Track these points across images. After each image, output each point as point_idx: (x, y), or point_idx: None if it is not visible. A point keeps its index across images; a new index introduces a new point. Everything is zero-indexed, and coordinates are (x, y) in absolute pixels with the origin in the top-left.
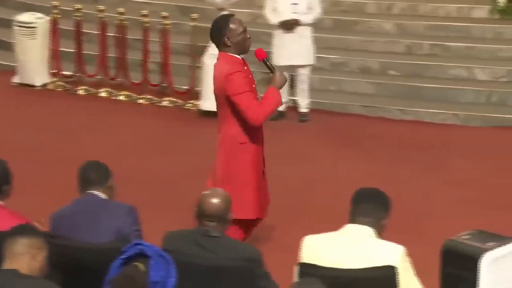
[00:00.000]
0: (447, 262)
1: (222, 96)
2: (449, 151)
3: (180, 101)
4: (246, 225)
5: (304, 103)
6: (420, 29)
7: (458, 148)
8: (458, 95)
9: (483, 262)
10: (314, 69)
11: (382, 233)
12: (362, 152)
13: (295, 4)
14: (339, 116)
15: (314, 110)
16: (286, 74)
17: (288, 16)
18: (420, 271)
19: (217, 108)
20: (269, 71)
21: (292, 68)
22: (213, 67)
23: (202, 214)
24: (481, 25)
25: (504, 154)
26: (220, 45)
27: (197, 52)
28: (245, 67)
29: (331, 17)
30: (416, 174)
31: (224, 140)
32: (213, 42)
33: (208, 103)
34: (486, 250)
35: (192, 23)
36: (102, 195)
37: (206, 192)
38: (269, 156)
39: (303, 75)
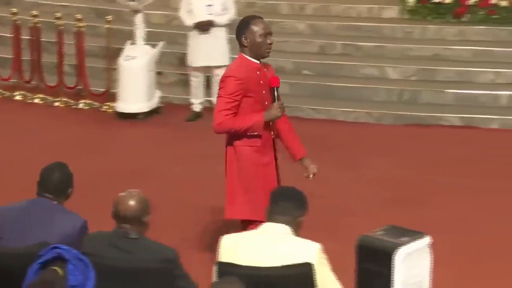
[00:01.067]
0: (363, 258)
1: None
2: (363, 149)
3: (96, 103)
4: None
5: None
6: (333, 30)
7: (372, 146)
8: (371, 94)
9: (397, 256)
10: None
11: (299, 231)
12: (279, 151)
13: (209, 5)
14: None
15: None
16: (280, 110)
17: (203, 17)
18: (337, 267)
19: None
20: (273, 99)
21: (208, 69)
22: (128, 69)
23: (118, 216)
24: (392, 25)
25: (416, 151)
26: (240, 45)
27: (113, 54)
28: (258, 72)
29: None
30: (331, 172)
31: (227, 136)
32: (237, 40)
33: (125, 104)
34: (400, 245)
35: (106, 26)
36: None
37: (122, 193)
38: (187, 156)
39: (219, 75)
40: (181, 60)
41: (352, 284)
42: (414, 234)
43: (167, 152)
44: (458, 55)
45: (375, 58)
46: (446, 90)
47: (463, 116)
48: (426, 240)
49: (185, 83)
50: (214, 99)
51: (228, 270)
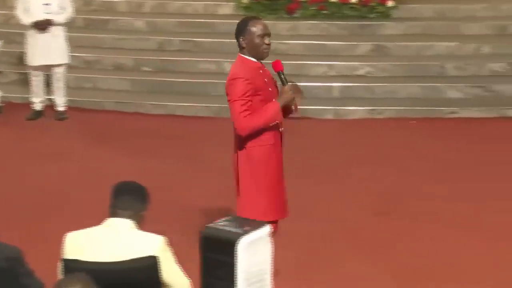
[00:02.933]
0: (206, 248)
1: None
2: (204, 142)
3: None
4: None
5: (61, 102)
6: (171, 26)
7: (212, 139)
8: (209, 89)
9: (239, 246)
10: (69, 67)
11: (142, 224)
12: (120, 147)
13: (47, 4)
14: (96, 113)
15: (71, 108)
16: (292, 91)
17: (40, 16)
18: (182, 259)
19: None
20: (282, 83)
21: (48, 68)
22: None
23: None
24: (227, 21)
25: None
26: (239, 46)
27: None
28: (261, 71)
29: (83, 16)
30: (173, 166)
31: (235, 139)
32: (236, 41)
33: None
34: (242, 234)
35: None
36: None
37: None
38: (26, 156)
39: (59, 73)
40: (20, 59)
41: (197, 275)
42: (256, 223)
43: (7, 151)
44: (292, 49)
45: (213, 54)
46: (280, 83)
47: (299, 108)
48: (267, 229)
49: (25, 82)
50: (55, 97)
51: (72, 266)
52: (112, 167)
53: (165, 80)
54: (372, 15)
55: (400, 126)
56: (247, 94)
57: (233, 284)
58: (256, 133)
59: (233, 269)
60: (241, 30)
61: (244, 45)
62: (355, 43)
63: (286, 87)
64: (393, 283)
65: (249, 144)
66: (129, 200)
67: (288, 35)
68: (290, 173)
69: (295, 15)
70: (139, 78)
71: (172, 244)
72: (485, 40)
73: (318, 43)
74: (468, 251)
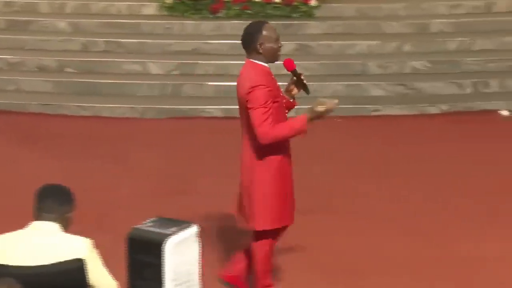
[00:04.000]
0: (133, 250)
1: (243, 105)
2: (130, 143)
3: None
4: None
5: None
6: (94, 27)
7: (138, 140)
8: (134, 89)
9: (166, 246)
10: None
11: (68, 227)
12: (45, 149)
13: None
14: (20, 115)
15: None
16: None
17: None
18: (109, 261)
19: (239, 113)
20: (295, 78)
21: None
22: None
23: None
24: (151, 21)
25: (181, 143)
26: (251, 52)
27: None
28: (272, 76)
29: (5, 17)
30: (100, 167)
31: (245, 146)
32: (244, 48)
33: None
34: (169, 235)
35: None
36: None
37: None
38: None
39: None
40: None
41: (124, 276)
42: (182, 224)
43: None
44: (216, 49)
45: (137, 54)
46: (206, 83)
47: (224, 107)
48: (194, 229)
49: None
50: None
51: None
52: (36, 170)
53: (89, 82)
54: (295, 15)
55: (325, 124)
56: (269, 102)
57: (161, 284)
58: (277, 142)
59: (160, 269)
60: (256, 36)
61: (261, 51)
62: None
63: (321, 101)
64: (322, 277)
65: (270, 151)
66: (54, 202)
67: (212, 35)
68: (226, 172)
69: (219, 15)
70: (63, 79)
71: (98, 246)
72: (406, 39)
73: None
74: (389, 246)
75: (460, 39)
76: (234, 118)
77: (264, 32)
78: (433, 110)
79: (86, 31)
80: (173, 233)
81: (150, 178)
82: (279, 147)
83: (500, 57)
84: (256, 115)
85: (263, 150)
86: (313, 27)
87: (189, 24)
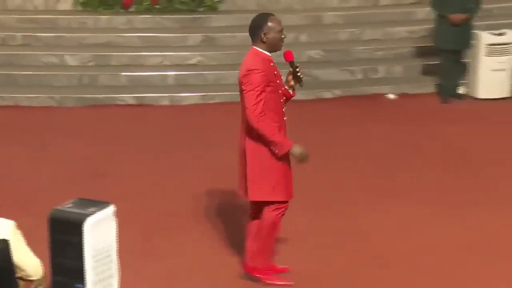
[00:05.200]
0: (55, 230)
1: (240, 88)
2: (49, 131)
3: None
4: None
5: None
6: (12, 22)
7: (57, 128)
8: (52, 80)
9: (86, 226)
10: None
11: None
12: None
13: None
14: None
15: None
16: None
17: None
18: (32, 241)
19: (240, 96)
20: (292, 69)
21: None
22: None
23: None
24: (67, 16)
25: (98, 130)
26: (256, 41)
27: None
28: (272, 63)
29: None
30: (21, 154)
31: (243, 124)
32: (251, 37)
33: None
34: (88, 215)
35: None
36: None
37: None
38: None
39: None
40: None
41: (47, 255)
42: (100, 204)
43: None
44: (128, 41)
45: (54, 47)
46: (120, 73)
47: (137, 96)
48: (111, 209)
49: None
50: None
51: None
52: None
53: (9, 73)
54: (201, 9)
55: (230, 109)
56: (262, 85)
57: (82, 261)
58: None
59: (81, 247)
60: (261, 26)
61: (265, 40)
62: (187, 34)
63: (303, 154)
64: (231, 250)
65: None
66: None
67: (124, 29)
68: (139, 157)
69: (130, 9)
70: None
71: (21, 227)
72: (302, 30)
73: (152, 36)
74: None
75: (350, 30)
76: (146, 105)
77: (269, 24)
78: (328, 95)
79: (4, 26)
80: (92, 213)
81: (70, 163)
82: (278, 115)
83: (387, 46)
84: (248, 98)
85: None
86: (217, 20)
87: (103, 18)
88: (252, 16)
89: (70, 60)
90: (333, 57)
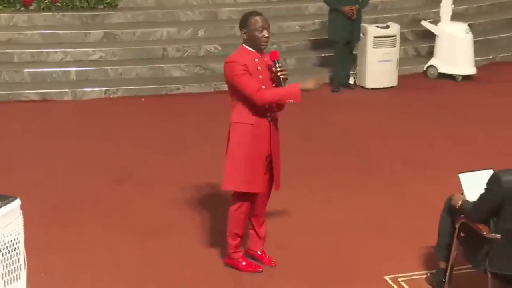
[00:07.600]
0: None
1: (226, 80)
2: None
3: None
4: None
5: None
6: None
7: None
8: None
9: None
10: None
11: None
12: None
13: None
14: None
15: None
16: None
17: None
18: None
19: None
20: (274, 69)
21: None
22: None
23: None
24: None
25: (2, 126)
26: (242, 37)
27: None
28: (256, 59)
29: None
30: None
31: (230, 119)
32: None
33: None
34: None
35: None
36: None
37: None
38: None
39: None
40: None
41: None
42: (6, 199)
43: None
44: (29, 39)
45: None
46: (23, 70)
47: (40, 92)
48: (17, 202)
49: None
50: None
51: None
52: None
53: None
54: (101, 6)
55: (132, 103)
56: (241, 70)
57: None
58: (242, 110)
59: None
60: (242, 23)
61: (245, 37)
62: (88, 31)
63: (315, 78)
64: (134, 237)
65: (234, 119)
66: None
67: (25, 26)
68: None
69: (31, 7)
70: None
71: None
72: (199, 26)
73: (53, 33)
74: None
75: None
76: (51, 101)
77: (250, 21)
78: (225, 87)
79: None
80: None
81: None
82: (256, 112)
83: (279, 39)
84: (237, 85)
85: (239, 115)
86: (117, 17)
87: (4, 16)
88: (150, 12)
89: None
90: (230, 51)
